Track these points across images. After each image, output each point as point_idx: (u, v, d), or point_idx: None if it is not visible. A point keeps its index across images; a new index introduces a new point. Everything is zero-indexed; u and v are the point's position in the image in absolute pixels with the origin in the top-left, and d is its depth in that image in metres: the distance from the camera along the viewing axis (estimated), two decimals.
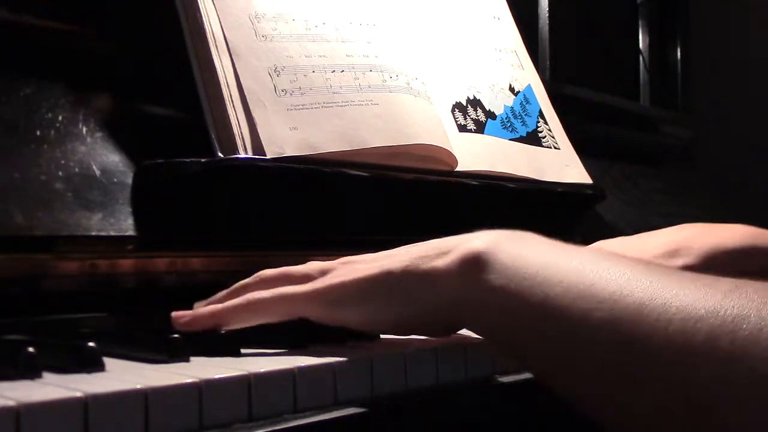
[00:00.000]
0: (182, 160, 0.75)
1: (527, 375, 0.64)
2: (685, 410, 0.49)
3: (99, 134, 0.76)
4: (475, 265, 0.57)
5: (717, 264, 0.83)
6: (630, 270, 0.53)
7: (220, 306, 0.64)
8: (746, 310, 0.48)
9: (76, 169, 0.72)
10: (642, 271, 0.53)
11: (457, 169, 0.95)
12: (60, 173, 0.70)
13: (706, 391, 0.48)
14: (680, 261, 0.85)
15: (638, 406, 0.51)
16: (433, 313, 0.60)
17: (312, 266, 0.66)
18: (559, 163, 1.08)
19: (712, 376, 0.48)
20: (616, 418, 0.53)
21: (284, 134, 0.79)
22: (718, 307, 0.49)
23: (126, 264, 0.74)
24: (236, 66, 0.79)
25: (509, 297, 0.55)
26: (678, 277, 0.52)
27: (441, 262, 0.59)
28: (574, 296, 0.53)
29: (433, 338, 0.65)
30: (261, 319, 0.63)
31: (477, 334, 0.62)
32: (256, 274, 0.67)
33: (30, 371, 0.48)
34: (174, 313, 0.65)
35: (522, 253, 0.57)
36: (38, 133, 0.71)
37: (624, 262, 0.55)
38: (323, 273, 0.64)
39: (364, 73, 0.88)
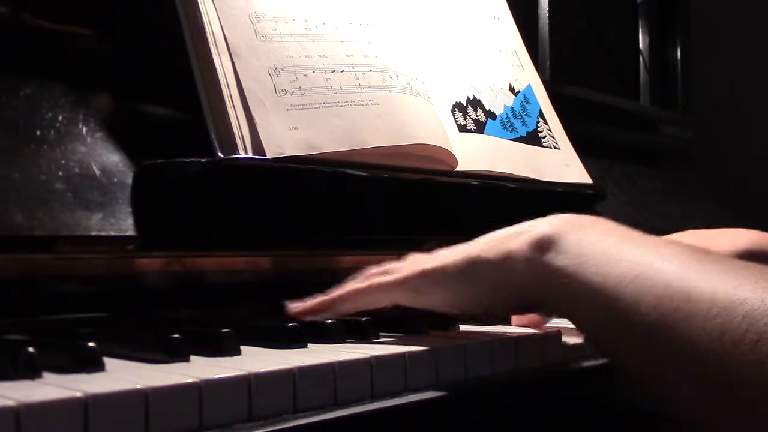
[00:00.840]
0: (182, 160, 0.75)
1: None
2: (715, 392, 0.53)
3: (99, 134, 0.76)
4: (541, 246, 0.62)
5: None
6: (685, 256, 0.58)
7: (324, 297, 0.71)
8: None
9: (76, 169, 0.72)
10: (697, 258, 0.57)
11: (457, 169, 0.95)
12: (60, 173, 0.70)
13: (735, 375, 0.51)
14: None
15: (683, 383, 0.55)
16: (508, 291, 0.66)
17: (410, 258, 0.73)
18: (559, 163, 1.08)
19: (739, 360, 0.51)
20: (665, 393, 0.57)
21: (284, 134, 0.79)
22: (764, 296, 0.52)
23: (126, 264, 0.74)
24: (236, 66, 0.79)
25: (572, 276, 0.60)
26: (729, 265, 0.56)
27: (513, 244, 0.64)
28: (631, 278, 0.57)
29: (434, 343, 0.66)
30: (361, 306, 0.71)
31: (547, 310, 0.70)
32: (361, 272, 0.74)
33: (30, 371, 0.48)
34: (288, 305, 0.72)
35: (587, 236, 0.62)
36: (38, 133, 0.71)
37: (680, 248, 0.59)
38: (416, 262, 0.71)
39: (364, 73, 0.88)
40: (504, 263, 0.65)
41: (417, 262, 0.70)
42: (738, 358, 0.51)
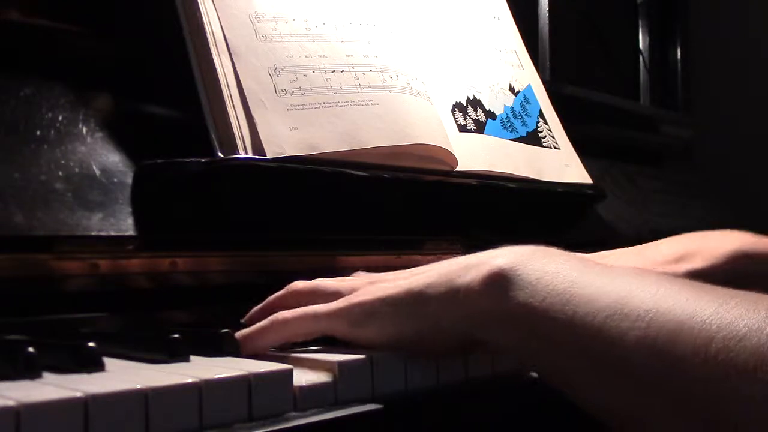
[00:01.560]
0: (182, 160, 0.75)
1: None
2: (730, 429, 0.48)
3: (99, 134, 0.76)
4: (499, 282, 0.57)
5: (718, 267, 0.84)
6: (664, 287, 0.52)
7: (250, 330, 0.64)
8: None
9: (76, 169, 0.72)
10: (677, 287, 0.52)
11: (457, 169, 0.95)
12: (60, 173, 0.70)
13: (751, 410, 0.47)
14: (685, 266, 0.85)
15: (678, 425, 0.50)
16: (455, 329, 0.60)
17: (343, 284, 0.67)
18: (559, 163, 1.08)
19: (760, 396, 0.47)
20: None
21: (284, 134, 0.79)
22: (762, 325, 0.48)
23: (126, 264, 0.74)
24: (236, 66, 0.79)
25: (535, 315, 0.55)
26: (716, 294, 0.51)
27: (465, 280, 0.58)
28: (605, 316, 0.52)
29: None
30: (287, 338, 0.64)
31: (500, 351, 0.62)
32: (288, 286, 0.68)
33: (30, 371, 0.48)
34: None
35: (547, 269, 0.56)
36: (38, 133, 0.71)
37: (657, 279, 0.54)
38: (353, 290, 0.65)
39: (364, 73, 0.88)
40: (452, 301, 0.59)
41: (355, 294, 0.64)
42: (749, 396, 0.47)
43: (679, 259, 0.86)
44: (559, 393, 0.57)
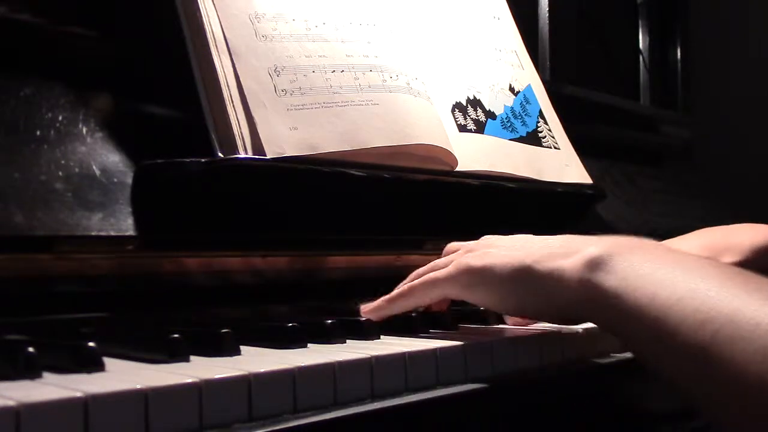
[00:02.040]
0: (182, 160, 0.75)
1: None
2: (754, 413, 0.54)
3: (99, 134, 0.76)
4: (594, 267, 0.65)
5: (750, 262, 0.87)
6: (730, 279, 0.60)
7: (382, 299, 0.76)
8: None
9: (76, 169, 0.72)
10: (741, 279, 0.60)
11: (457, 169, 0.95)
12: (60, 173, 0.70)
13: None
14: (727, 259, 0.88)
15: (724, 402, 0.57)
16: (556, 304, 0.69)
17: (453, 254, 0.76)
18: (559, 163, 1.08)
19: None
20: (709, 407, 0.59)
21: (284, 134, 0.79)
22: None
23: (126, 264, 0.74)
24: (236, 66, 0.79)
25: (621, 296, 0.63)
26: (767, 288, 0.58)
27: (567, 262, 0.67)
28: (677, 299, 0.60)
29: (436, 342, 0.67)
30: (417, 302, 0.75)
31: (595, 324, 0.70)
32: (414, 272, 0.77)
33: (30, 371, 0.48)
34: (361, 307, 0.77)
35: (637, 258, 0.65)
36: (38, 133, 0.71)
37: (724, 270, 0.62)
38: (461, 255, 0.74)
39: (364, 73, 0.88)
40: (557, 279, 0.67)
41: (466, 258, 0.73)
42: None
43: (709, 255, 0.88)
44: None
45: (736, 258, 0.89)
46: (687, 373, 0.59)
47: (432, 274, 0.74)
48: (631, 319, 0.63)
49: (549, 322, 0.77)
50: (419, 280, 0.75)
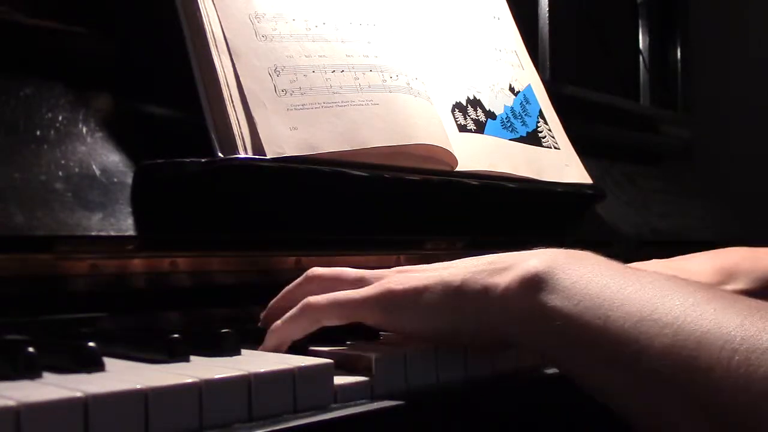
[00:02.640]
0: (182, 160, 0.75)
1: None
2: None
3: (99, 134, 0.76)
4: (534, 284, 0.57)
5: (765, 288, 0.83)
6: (693, 296, 0.53)
7: (279, 323, 0.64)
8: None
9: (76, 169, 0.72)
10: (705, 297, 0.53)
11: (457, 169, 0.95)
12: (60, 173, 0.70)
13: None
14: (732, 286, 0.84)
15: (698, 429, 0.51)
16: (490, 328, 0.60)
17: (367, 272, 0.67)
18: (559, 163, 1.08)
19: None
20: None
21: (284, 134, 0.79)
22: None
23: (126, 264, 0.74)
24: (236, 66, 0.79)
25: (569, 318, 0.55)
26: (742, 306, 0.52)
27: (500, 279, 0.59)
28: (635, 321, 0.53)
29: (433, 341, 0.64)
30: (318, 324, 0.64)
31: (531, 351, 0.63)
32: (306, 272, 0.68)
33: (30, 371, 0.48)
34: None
35: (582, 274, 0.57)
36: (38, 133, 0.71)
37: (686, 287, 0.55)
38: (378, 279, 0.65)
39: (364, 73, 0.88)
40: (490, 298, 0.59)
41: (385, 280, 0.64)
42: (765, 409, 0.47)
43: (721, 280, 0.84)
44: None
45: (749, 285, 0.85)
46: (651, 402, 0.52)
47: (344, 295, 0.63)
48: (580, 344, 0.55)
49: (475, 349, 0.65)
50: (327, 299, 0.63)
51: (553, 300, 0.56)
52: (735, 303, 0.52)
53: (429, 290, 0.62)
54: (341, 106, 0.84)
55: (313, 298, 0.64)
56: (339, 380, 0.56)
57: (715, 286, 0.58)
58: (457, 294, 0.61)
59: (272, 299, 0.71)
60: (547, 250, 0.60)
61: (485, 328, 0.61)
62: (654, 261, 0.92)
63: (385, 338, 0.70)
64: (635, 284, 0.55)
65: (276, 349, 0.63)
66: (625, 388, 0.54)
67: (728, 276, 0.86)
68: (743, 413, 0.48)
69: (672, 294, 0.54)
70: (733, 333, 0.50)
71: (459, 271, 0.62)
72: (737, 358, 0.49)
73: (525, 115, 1.08)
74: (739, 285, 0.85)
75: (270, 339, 0.63)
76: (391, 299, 0.62)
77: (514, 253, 0.61)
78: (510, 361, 0.68)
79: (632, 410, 0.55)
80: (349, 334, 0.67)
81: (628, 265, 0.61)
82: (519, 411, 0.67)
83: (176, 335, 0.56)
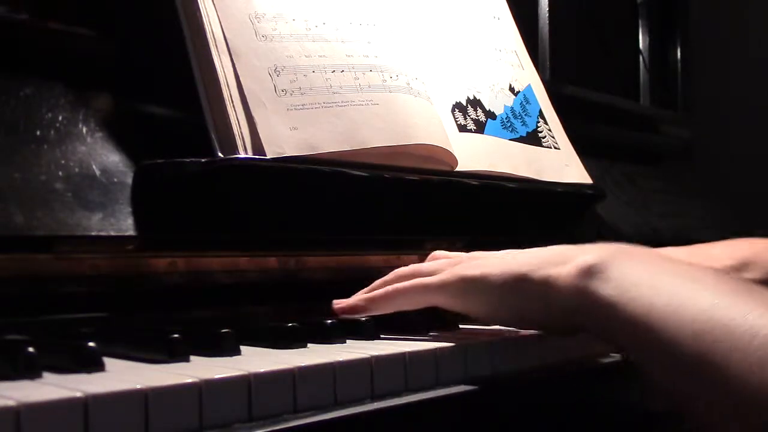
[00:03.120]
0: (182, 160, 0.75)
1: None
2: (754, 424, 0.54)
3: (99, 134, 0.76)
4: (589, 275, 0.65)
5: None
6: (725, 287, 0.60)
7: (368, 295, 0.74)
8: None
9: (76, 169, 0.72)
10: (735, 288, 0.59)
11: (457, 169, 0.95)
12: (60, 173, 0.70)
13: None
14: (748, 274, 0.89)
15: (723, 415, 0.56)
16: (551, 313, 0.68)
17: (441, 261, 0.75)
18: (559, 163, 1.08)
19: None
20: (705, 416, 0.59)
21: (284, 134, 0.79)
22: None
23: (126, 264, 0.74)
24: (236, 66, 0.79)
25: (617, 307, 0.62)
26: (766, 297, 0.58)
27: (560, 270, 0.67)
28: (674, 308, 0.59)
29: (436, 343, 0.67)
30: (401, 306, 0.73)
31: (590, 334, 0.69)
32: (393, 272, 0.77)
33: (30, 371, 0.48)
34: (334, 303, 0.75)
35: (631, 266, 0.64)
36: (38, 133, 0.71)
37: (722, 279, 0.61)
38: (452, 265, 0.73)
39: (364, 73, 0.88)
40: (551, 287, 0.67)
41: (459, 267, 0.72)
42: None
43: (738, 268, 0.88)
44: None
45: (760, 275, 0.89)
46: (684, 382, 0.59)
47: (422, 280, 0.73)
48: (626, 328, 0.62)
49: (543, 331, 0.75)
50: (407, 284, 0.73)
51: (605, 288, 0.63)
52: (760, 294, 0.58)
53: (497, 277, 0.69)
54: (341, 106, 0.84)
55: (398, 284, 0.73)
56: None
57: (745, 280, 0.66)
58: (522, 282, 0.68)
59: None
60: (603, 244, 0.68)
61: (547, 313, 0.68)
62: (680, 248, 0.95)
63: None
64: (678, 277, 0.62)
65: (354, 311, 0.73)
66: (664, 371, 0.61)
67: (745, 265, 0.90)
68: (755, 395, 0.53)
69: (710, 286, 0.60)
70: (756, 321, 0.55)
71: (524, 262, 0.69)
72: (756, 342, 0.54)
73: (525, 115, 1.08)
74: (755, 274, 0.89)
75: (356, 305, 0.74)
76: (463, 284, 0.70)
77: (573, 246, 0.69)
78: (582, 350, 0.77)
79: (675, 394, 0.61)
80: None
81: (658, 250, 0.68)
82: None
83: (176, 335, 0.56)
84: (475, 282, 0.70)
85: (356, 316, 0.73)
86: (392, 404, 0.58)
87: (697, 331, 0.57)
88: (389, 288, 0.74)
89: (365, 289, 0.76)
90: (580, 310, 0.65)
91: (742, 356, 0.54)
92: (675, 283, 0.61)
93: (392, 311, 0.74)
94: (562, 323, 0.69)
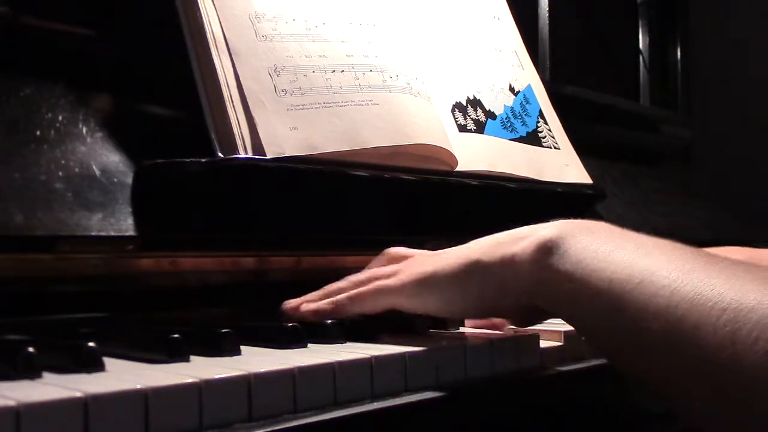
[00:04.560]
0: (182, 160, 0.75)
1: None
2: (728, 399, 0.51)
3: (99, 134, 0.76)
4: (547, 250, 0.62)
5: None
6: (692, 261, 0.56)
7: (323, 302, 0.71)
8: None
9: (76, 169, 0.72)
10: (703, 262, 0.56)
11: (457, 169, 0.95)
12: (60, 173, 0.70)
13: (748, 382, 0.50)
14: None
15: (691, 389, 0.54)
16: (509, 294, 0.65)
17: (399, 265, 0.72)
18: (559, 163, 1.08)
19: (752, 367, 0.49)
20: (674, 399, 0.56)
21: (284, 134, 0.79)
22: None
23: (126, 264, 0.74)
24: (236, 66, 0.79)
25: (575, 282, 0.60)
26: (736, 269, 0.54)
27: (517, 248, 0.64)
28: (636, 283, 0.56)
29: (436, 343, 0.66)
30: (361, 311, 0.71)
31: (550, 313, 0.67)
32: (346, 277, 0.74)
33: (30, 371, 0.48)
34: (285, 303, 0.73)
35: (591, 240, 0.61)
36: (38, 133, 0.71)
37: (687, 253, 0.58)
38: (408, 266, 0.70)
39: (364, 73, 0.88)
40: (508, 267, 0.64)
41: (413, 266, 0.70)
42: (750, 365, 0.49)
43: None
44: None
45: None
46: (648, 359, 0.56)
47: (381, 283, 0.70)
48: (586, 304, 0.59)
49: (504, 317, 0.73)
50: (369, 287, 0.70)
51: (564, 263, 0.61)
52: (729, 266, 0.55)
53: (450, 269, 0.67)
54: (341, 106, 0.84)
55: (358, 290, 0.70)
56: None
57: (707, 252, 0.61)
58: (476, 267, 0.66)
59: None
60: (562, 221, 0.64)
61: (504, 295, 0.65)
62: (732, 248, 0.95)
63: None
64: (640, 250, 0.59)
65: (305, 316, 0.71)
66: (627, 348, 0.58)
67: None
68: (726, 369, 0.51)
69: (674, 260, 0.57)
70: (723, 294, 0.52)
71: (480, 246, 0.67)
72: (725, 317, 0.51)
73: (525, 115, 1.08)
74: None
75: (309, 311, 0.71)
76: (417, 284, 0.68)
77: (528, 226, 0.65)
78: None
79: (637, 371, 0.58)
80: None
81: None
82: None
83: (176, 335, 0.56)
84: (428, 279, 0.68)
85: (317, 320, 0.70)
86: (392, 404, 0.58)
87: (662, 306, 0.54)
88: (357, 294, 0.71)
89: (317, 293, 0.74)
90: (538, 286, 0.63)
91: (710, 331, 0.51)
92: (637, 256, 0.58)
93: (355, 314, 0.71)
94: (520, 303, 0.66)
